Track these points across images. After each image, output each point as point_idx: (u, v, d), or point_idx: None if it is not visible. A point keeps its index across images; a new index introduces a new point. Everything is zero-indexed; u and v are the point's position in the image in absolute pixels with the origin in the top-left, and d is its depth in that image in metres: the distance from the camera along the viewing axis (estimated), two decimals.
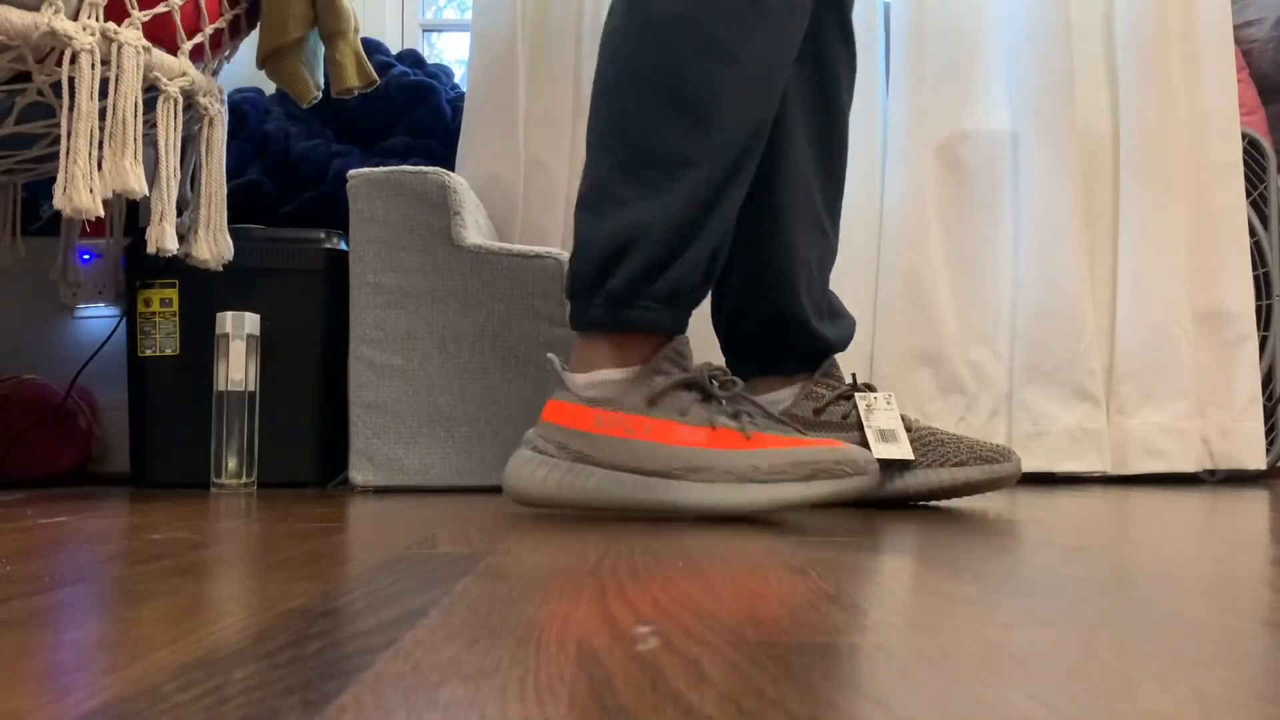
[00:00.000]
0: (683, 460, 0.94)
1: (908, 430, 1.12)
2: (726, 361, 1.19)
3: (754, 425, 0.96)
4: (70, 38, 1.17)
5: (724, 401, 0.98)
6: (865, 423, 1.10)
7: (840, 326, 1.20)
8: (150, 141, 1.33)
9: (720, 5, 0.98)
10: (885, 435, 1.10)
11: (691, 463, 0.94)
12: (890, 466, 1.08)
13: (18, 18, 1.15)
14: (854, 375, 1.17)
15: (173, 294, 1.52)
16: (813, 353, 1.16)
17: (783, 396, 1.15)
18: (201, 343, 1.48)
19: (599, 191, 1.01)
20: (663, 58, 0.99)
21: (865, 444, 1.09)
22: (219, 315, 1.43)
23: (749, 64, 1.00)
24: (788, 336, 1.16)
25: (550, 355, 1.03)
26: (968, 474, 1.08)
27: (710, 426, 0.95)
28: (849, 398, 1.14)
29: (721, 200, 1.00)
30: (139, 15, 1.24)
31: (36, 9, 1.16)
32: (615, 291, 0.99)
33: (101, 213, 1.19)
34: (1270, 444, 1.81)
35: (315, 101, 1.52)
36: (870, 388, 1.14)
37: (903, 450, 1.08)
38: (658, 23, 0.99)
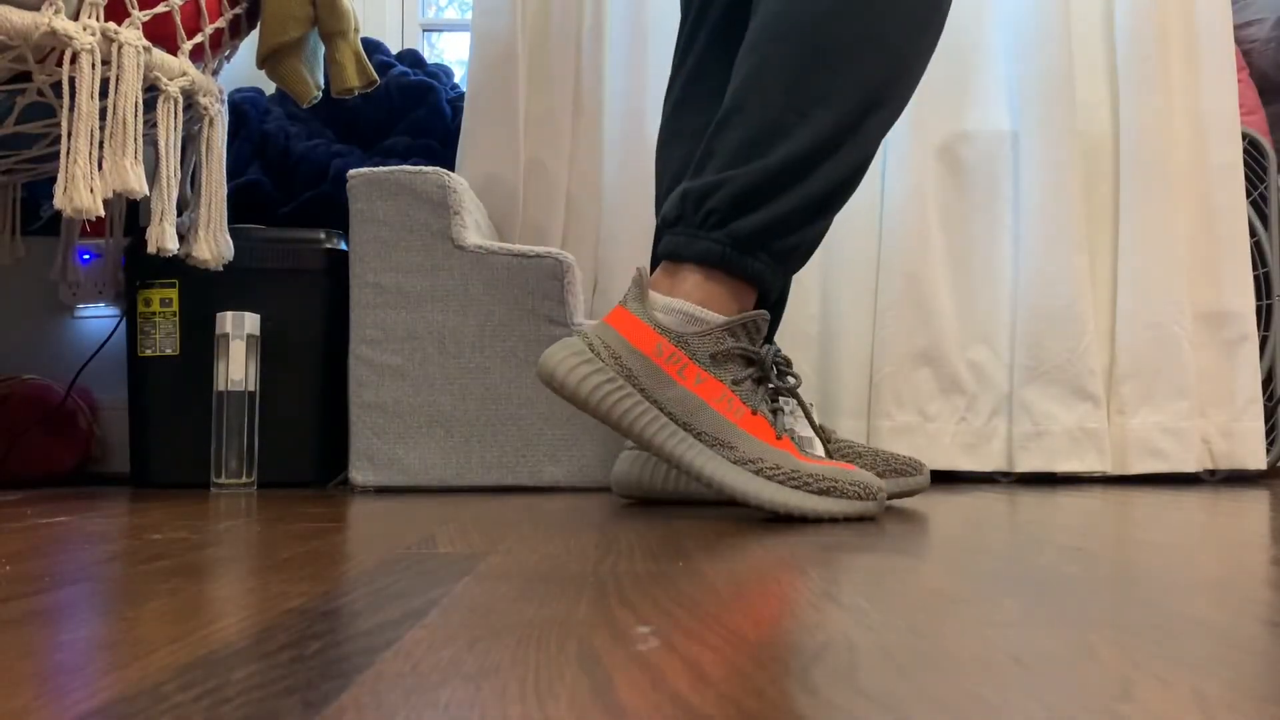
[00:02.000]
0: (713, 427, 0.92)
1: (826, 442, 1.13)
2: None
3: (788, 431, 0.95)
4: (70, 37, 1.17)
5: (775, 393, 0.97)
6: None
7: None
8: (150, 141, 1.33)
9: None
10: (803, 444, 1.09)
11: (721, 434, 0.92)
12: None
13: (18, 17, 1.15)
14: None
15: (173, 294, 1.52)
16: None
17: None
18: (201, 343, 1.48)
19: (771, 128, 0.96)
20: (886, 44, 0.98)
21: None
22: (219, 315, 1.43)
23: (924, 45, 1.02)
24: None
25: (639, 267, 0.99)
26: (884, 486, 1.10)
27: (751, 410, 0.93)
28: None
29: (860, 175, 1.00)
30: (139, 15, 1.24)
31: (37, 9, 1.16)
32: (743, 232, 0.95)
33: (102, 213, 1.19)
34: (1270, 444, 1.81)
35: (315, 101, 1.52)
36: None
37: None
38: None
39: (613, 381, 0.93)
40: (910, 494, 1.16)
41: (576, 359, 0.93)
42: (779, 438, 0.93)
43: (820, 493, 0.90)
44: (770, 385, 0.96)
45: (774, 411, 0.95)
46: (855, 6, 0.97)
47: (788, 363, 0.99)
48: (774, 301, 1.08)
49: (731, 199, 0.96)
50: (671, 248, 0.98)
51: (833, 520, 0.91)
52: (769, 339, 1.11)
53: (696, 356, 0.93)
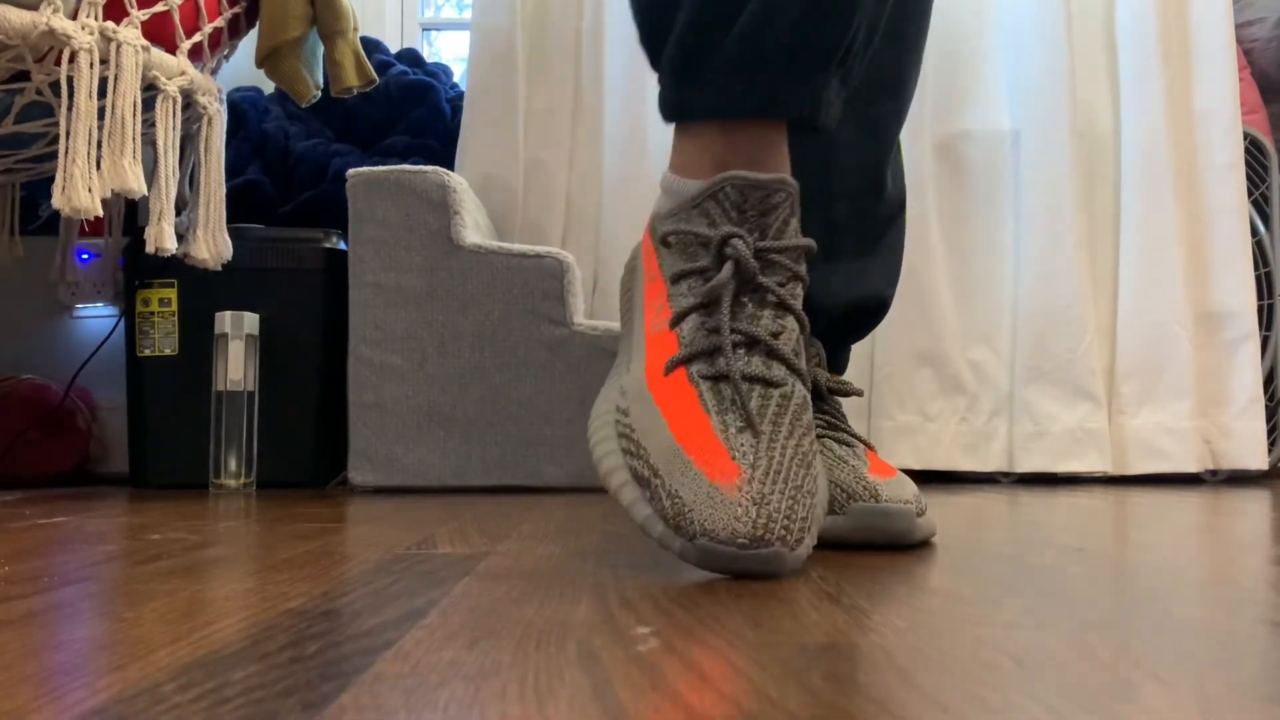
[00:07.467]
0: (634, 339, 0.66)
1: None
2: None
3: (699, 359, 0.60)
4: (69, 37, 1.17)
5: (722, 308, 0.61)
6: None
7: None
8: (149, 141, 1.33)
9: None
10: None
11: (629, 351, 0.66)
12: None
13: (16, 17, 1.15)
14: None
15: (171, 294, 1.52)
16: None
17: None
18: (200, 343, 1.48)
19: None
20: None
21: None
22: (218, 315, 1.43)
23: None
24: None
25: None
26: None
27: (672, 321, 0.62)
28: None
29: None
30: (138, 14, 1.24)
31: (35, 8, 1.16)
32: (673, 52, 0.66)
33: (100, 212, 1.19)
34: (1271, 444, 1.81)
35: (314, 101, 1.51)
36: None
37: None
38: None
39: (625, 279, 0.73)
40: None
41: (630, 255, 0.74)
42: (667, 373, 0.61)
43: (638, 480, 0.58)
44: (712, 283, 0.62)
45: (709, 351, 0.61)
46: None
47: (792, 259, 0.63)
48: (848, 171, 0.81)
49: (645, 22, 0.70)
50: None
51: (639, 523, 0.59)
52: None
53: (656, 244, 0.67)
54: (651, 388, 0.61)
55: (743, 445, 0.57)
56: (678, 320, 0.62)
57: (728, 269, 0.62)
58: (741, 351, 0.60)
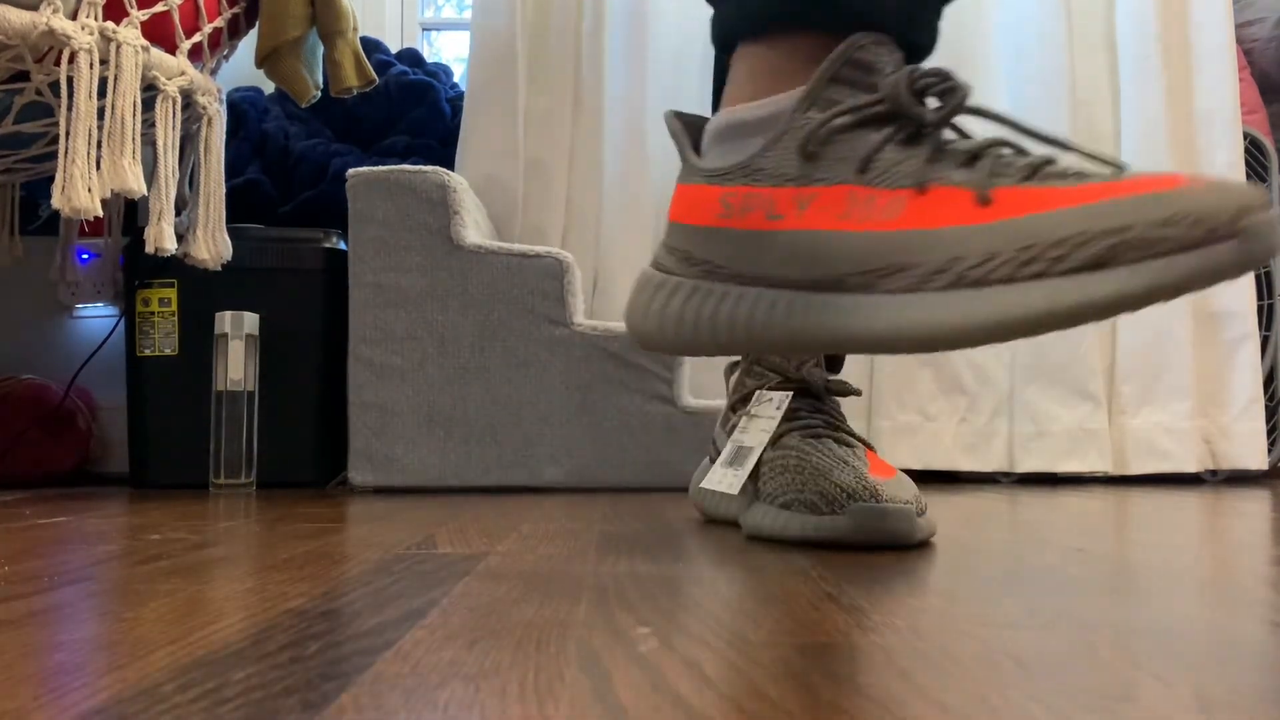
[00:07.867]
0: (862, 254, 0.53)
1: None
2: None
3: (1004, 174, 0.52)
4: (69, 37, 1.17)
5: (946, 139, 0.55)
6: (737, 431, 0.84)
7: None
8: (149, 141, 1.33)
9: None
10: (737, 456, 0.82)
11: (877, 258, 0.53)
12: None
13: (16, 17, 1.15)
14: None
15: (171, 294, 1.52)
16: None
17: None
18: (200, 342, 1.48)
19: None
20: None
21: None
22: (218, 315, 1.43)
23: None
24: None
25: (668, 113, 0.68)
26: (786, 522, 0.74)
27: (915, 186, 0.53)
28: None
29: None
30: (138, 15, 1.24)
31: (35, 8, 1.16)
32: None
33: (100, 212, 1.19)
34: (1271, 444, 1.81)
35: (314, 101, 1.51)
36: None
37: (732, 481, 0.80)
38: None
39: (698, 291, 0.61)
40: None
41: (649, 292, 0.64)
42: (986, 200, 0.51)
43: (1099, 263, 0.46)
44: (930, 124, 0.55)
45: (973, 158, 0.53)
46: None
47: (943, 78, 0.57)
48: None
49: None
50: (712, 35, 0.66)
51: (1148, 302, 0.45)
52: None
53: (782, 174, 0.57)
54: (994, 212, 0.50)
55: (1096, 174, 0.50)
56: (922, 182, 0.53)
57: (960, 89, 0.56)
58: (997, 150, 0.54)
